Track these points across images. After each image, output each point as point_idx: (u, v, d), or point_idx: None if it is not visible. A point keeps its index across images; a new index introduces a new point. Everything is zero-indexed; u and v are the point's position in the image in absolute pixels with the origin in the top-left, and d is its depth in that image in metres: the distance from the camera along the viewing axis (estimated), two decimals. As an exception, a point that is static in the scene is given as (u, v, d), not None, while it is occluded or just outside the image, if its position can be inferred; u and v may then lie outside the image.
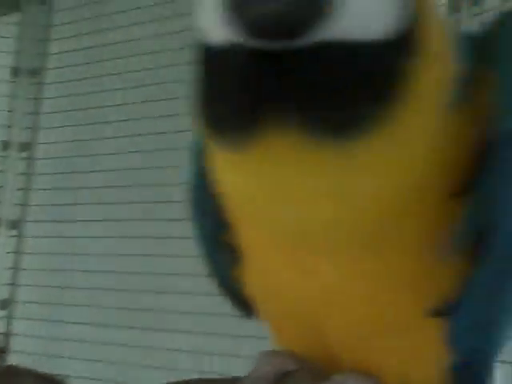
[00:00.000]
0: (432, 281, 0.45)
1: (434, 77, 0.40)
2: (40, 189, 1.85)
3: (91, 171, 1.78)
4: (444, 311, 0.45)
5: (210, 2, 0.38)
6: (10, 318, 1.77)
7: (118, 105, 1.77)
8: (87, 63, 1.84)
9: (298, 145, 0.37)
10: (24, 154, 1.86)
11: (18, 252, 1.81)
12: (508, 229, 0.42)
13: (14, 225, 1.82)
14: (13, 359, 1.66)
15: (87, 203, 1.77)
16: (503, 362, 1.14)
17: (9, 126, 1.87)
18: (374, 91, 0.37)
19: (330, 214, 0.39)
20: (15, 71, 1.89)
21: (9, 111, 1.87)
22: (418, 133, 0.40)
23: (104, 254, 1.69)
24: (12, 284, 1.79)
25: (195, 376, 0.63)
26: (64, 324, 1.73)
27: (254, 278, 0.51)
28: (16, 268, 1.80)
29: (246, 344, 1.39)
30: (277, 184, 0.39)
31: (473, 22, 1.41)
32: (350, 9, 0.36)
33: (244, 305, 0.55)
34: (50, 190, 1.83)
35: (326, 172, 0.38)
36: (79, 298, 1.72)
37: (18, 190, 1.84)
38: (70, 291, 1.75)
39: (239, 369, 0.52)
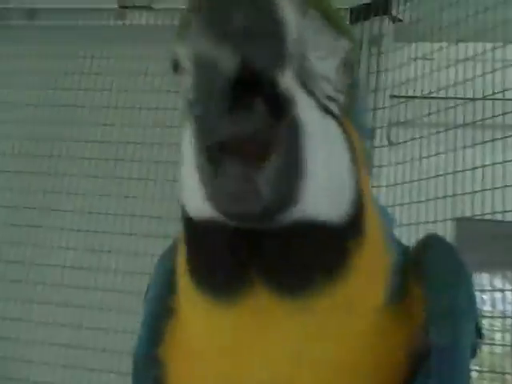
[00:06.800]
0: None
1: (374, 256, 0.50)
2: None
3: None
4: None
5: (190, 182, 0.46)
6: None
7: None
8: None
9: (268, 306, 0.46)
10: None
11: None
12: None
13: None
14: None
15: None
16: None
17: None
18: (325, 262, 0.47)
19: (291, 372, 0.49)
20: None
21: None
22: (358, 299, 0.49)
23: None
24: None
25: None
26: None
27: None
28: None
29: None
30: (251, 338, 0.48)
31: (372, 62, 1.63)
32: (310, 197, 0.44)
33: None
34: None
35: (287, 331, 0.47)
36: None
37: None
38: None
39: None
